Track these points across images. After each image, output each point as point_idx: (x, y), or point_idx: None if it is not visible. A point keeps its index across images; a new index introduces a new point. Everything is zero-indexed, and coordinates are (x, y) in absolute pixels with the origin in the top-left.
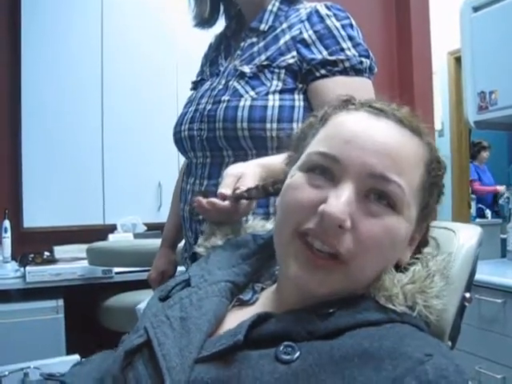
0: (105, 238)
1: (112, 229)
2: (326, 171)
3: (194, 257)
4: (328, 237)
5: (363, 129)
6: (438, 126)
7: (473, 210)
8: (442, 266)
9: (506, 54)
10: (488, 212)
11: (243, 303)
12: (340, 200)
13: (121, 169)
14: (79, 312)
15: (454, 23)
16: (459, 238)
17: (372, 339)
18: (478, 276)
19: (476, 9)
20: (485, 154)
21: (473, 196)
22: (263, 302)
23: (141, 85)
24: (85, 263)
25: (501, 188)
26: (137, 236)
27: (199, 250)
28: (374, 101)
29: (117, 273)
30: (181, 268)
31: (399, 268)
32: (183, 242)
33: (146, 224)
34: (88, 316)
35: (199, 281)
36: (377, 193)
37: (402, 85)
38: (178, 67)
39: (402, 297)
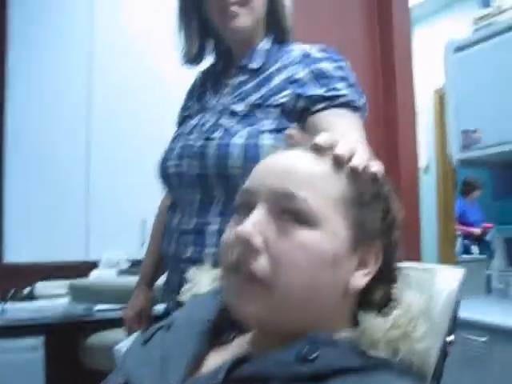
0: (87, 274)
1: (95, 265)
2: (247, 206)
3: (179, 302)
4: (245, 259)
5: (272, 159)
6: (422, 163)
7: (458, 246)
8: (424, 308)
9: (488, 93)
10: (474, 248)
11: (225, 342)
12: (248, 220)
13: (105, 204)
14: (60, 350)
15: (440, 62)
16: (440, 279)
17: None
18: (462, 314)
19: (459, 49)
20: (476, 194)
21: (458, 232)
22: (244, 340)
23: (127, 121)
24: (66, 300)
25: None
26: (120, 272)
27: (183, 298)
28: (300, 138)
29: (98, 310)
30: (159, 306)
31: (375, 308)
32: (162, 279)
33: (129, 260)
34: (68, 354)
35: (180, 323)
36: (289, 212)
37: (387, 124)
38: (165, 104)
39: (384, 342)
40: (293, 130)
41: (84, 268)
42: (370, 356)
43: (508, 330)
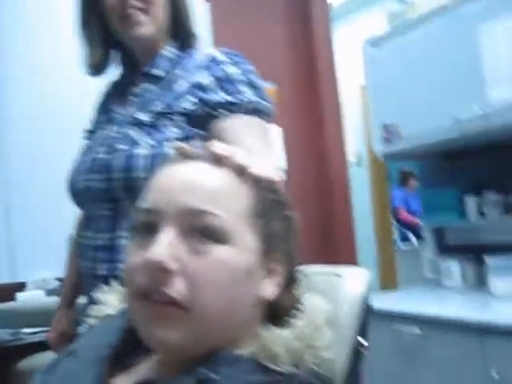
0: (13, 297)
1: (22, 286)
2: (149, 226)
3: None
4: (159, 285)
5: (171, 174)
6: (354, 157)
7: (396, 236)
8: (329, 315)
9: (405, 87)
10: (411, 236)
11: (131, 366)
12: (158, 245)
13: (28, 223)
14: None
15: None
16: (346, 283)
17: None
18: (396, 306)
19: (376, 44)
20: (413, 182)
21: (394, 222)
22: (148, 365)
23: (45, 136)
24: None
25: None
26: (49, 293)
27: (90, 321)
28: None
29: (26, 333)
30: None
31: (278, 319)
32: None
33: (58, 279)
34: None
35: (81, 349)
36: (198, 230)
37: (313, 121)
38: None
39: (286, 355)
40: (180, 143)
41: (10, 291)
42: (271, 370)
43: (440, 322)
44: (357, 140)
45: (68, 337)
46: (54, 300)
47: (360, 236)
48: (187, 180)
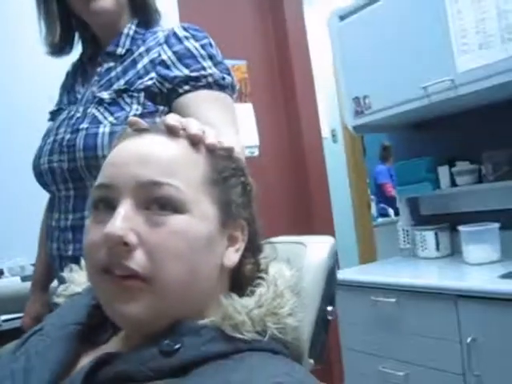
0: None
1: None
2: (107, 201)
3: (56, 304)
4: (119, 259)
5: (126, 148)
6: (325, 133)
7: (374, 211)
8: (292, 283)
9: (373, 59)
10: (391, 211)
11: (98, 343)
12: (116, 219)
13: (2, 209)
14: None
15: None
16: (310, 251)
17: (221, 376)
18: (373, 277)
19: (342, 18)
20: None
21: (372, 197)
22: (115, 340)
23: (14, 118)
24: None
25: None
26: (25, 279)
27: (58, 300)
28: (148, 123)
29: (4, 320)
30: None
31: (242, 288)
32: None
33: (33, 265)
34: None
35: (49, 328)
36: (155, 201)
37: (286, 98)
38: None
39: (249, 323)
40: (134, 117)
41: None
42: (235, 339)
43: (415, 290)
44: (331, 116)
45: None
46: (27, 286)
47: (338, 212)
48: (142, 153)
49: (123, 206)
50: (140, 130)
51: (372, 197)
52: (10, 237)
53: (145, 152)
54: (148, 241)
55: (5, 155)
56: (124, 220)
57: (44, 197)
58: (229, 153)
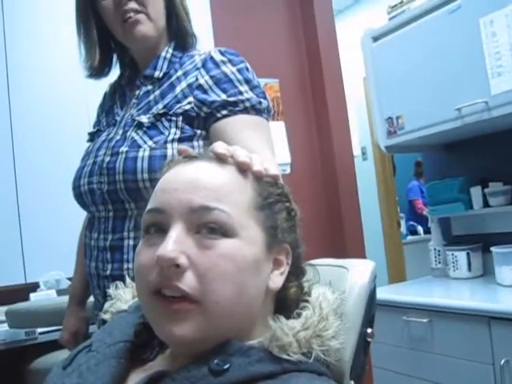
0: (27, 298)
1: (34, 287)
2: (158, 226)
3: (103, 320)
4: (170, 280)
5: (176, 174)
6: (356, 151)
7: (403, 229)
8: (336, 306)
9: (406, 80)
10: (420, 229)
11: (148, 360)
12: (168, 242)
13: (39, 223)
14: (4, 378)
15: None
16: (352, 275)
17: None
18: (405, 297)
19: (375, 39)
20: None
21: (402, 215)
22: (162, 358)
23: (53, 139)
24: (5, 327)
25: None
26: (60, 292)
27: (105, 316)
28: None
29: (40, 333)
30: (94, 326)
31: (286, 310)
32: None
33: (69, 278)
34: (14, 380)
35: (99, 344)
36: (206, 226)
37: (318, 115)
38: (90, 115)
39: (296, 345)
40: (184, 146)
41: (23, 291)
42: (282, 360)
43: (447, 311)
44: (361, 134)
45: (81, 335)
46: (64, 300)
47: (367, 230)
48: (192, 179)
49: (175, 229)
50: (189, 158)
51: (402, 215)
52: (45, 251)
53: (195, 178)
54: (198, 263)
55: (43, 170)
56: (175, 243)
57: (81, 213)
58: (275, 180)
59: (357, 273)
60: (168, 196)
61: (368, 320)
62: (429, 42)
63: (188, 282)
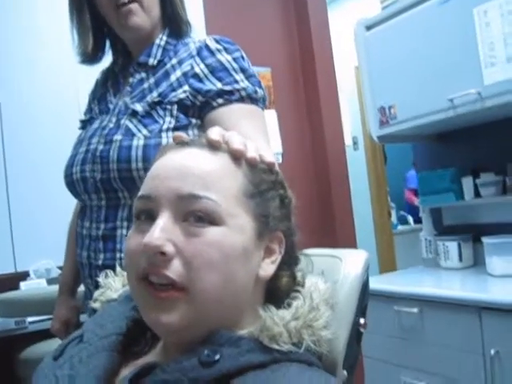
0: (17, 287)
1: (24, 276)
2: (148, 212)
3: (93, 309)
4: (157, 268)
5: (167, 162)
6: (348, 141)
7: (394, 218)
8: (327, 296)
9: (399, 70)
10: (410, 218)
11: (138, 354)
12: (155, 229)
13: (29, 211)
14: None
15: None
16: (345, 265)
17: None
18: (395, 287)
19: (369, 28)
20: None
21: (392, 204)
22: (155, 351)
23: (43, 126)
24: None
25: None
26: (50, 281)
27: (95, 305)
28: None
29: (31, 322)
30: (85, 315)
31: (278, 300)
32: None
33: (60, 267)
34: (4, 369)
35: (91, 336)
36: (193, 214)
37: (309, 104)
38: (80, 102)
39: (286, 335)
40: (178, 132)
41: (13, 280)
42: (273, 350)
43: (438, 301)
44: (352, 123)
45: (72, 325)
46: (54, 289)
47: (358, 219)
48: (182, 166)
49: (162, 217)
50: (182, 144)
51: (392, 204)
52: (35, 239)
53: (185, 166)
54: (184, 251)
55: (32, 160)
56: (162, 231)
57: (72, 201)
58: (270, 167)
59: (350, 263)
60: (158, 183)
61: (361, 310)
62: (422, 31)
63: (175, 269)
